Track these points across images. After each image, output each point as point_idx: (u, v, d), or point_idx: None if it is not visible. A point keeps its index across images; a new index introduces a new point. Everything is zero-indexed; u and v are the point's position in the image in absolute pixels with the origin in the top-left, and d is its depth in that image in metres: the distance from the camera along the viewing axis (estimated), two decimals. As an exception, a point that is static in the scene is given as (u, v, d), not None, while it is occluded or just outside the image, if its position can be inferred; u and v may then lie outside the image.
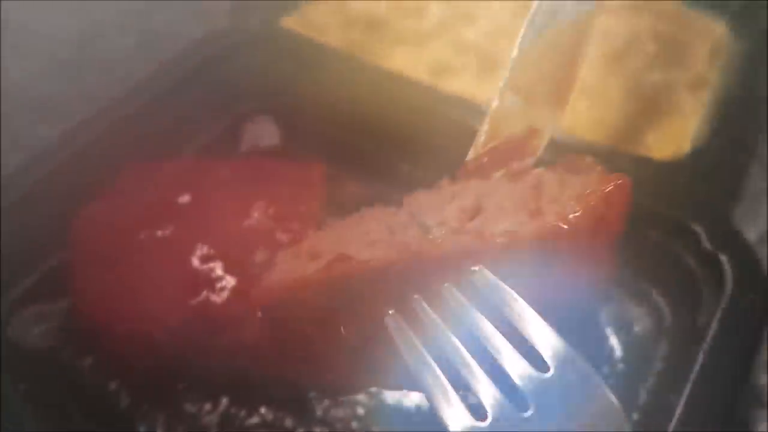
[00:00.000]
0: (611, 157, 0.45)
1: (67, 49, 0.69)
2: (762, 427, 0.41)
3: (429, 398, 0.23)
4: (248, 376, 0.38)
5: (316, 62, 0.53)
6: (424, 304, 0.25)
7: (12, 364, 0.40)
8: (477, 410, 0.22)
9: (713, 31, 0.57)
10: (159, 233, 0.38)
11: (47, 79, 0.67)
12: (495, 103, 0.35)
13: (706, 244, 0.39)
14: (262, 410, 0.40)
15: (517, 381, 0.22)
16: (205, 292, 0.36)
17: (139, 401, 0.40)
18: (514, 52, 0.35)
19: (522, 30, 0.35)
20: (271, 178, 0.44)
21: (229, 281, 0.36)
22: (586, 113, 0.53)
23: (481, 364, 0.23)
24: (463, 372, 0.23)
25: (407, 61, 0.55)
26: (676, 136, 0.52)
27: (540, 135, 0.34)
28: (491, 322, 0.23)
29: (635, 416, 0.38)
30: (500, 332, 0.23)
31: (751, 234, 0.52)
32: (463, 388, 0.23)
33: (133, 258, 0.38)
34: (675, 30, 0.57)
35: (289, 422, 0.40)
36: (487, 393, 0.22)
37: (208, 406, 0.40)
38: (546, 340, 0.22)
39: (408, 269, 0.25)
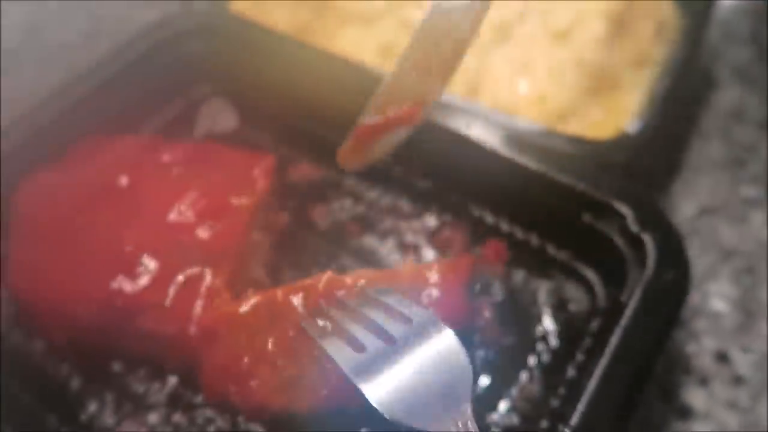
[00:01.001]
0: (548, 136, 0.46)
1: (12, 38, 0.69)
2: (686, 392, 0.43)
3: (335, 360, 0.32)
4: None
5: (266, 46, 0.53)
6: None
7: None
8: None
9: (659, 10, 0.58)
10: (91, 211, 0.39)
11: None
12: (391, 74, 0.37)
13: (633, 226, 0.40)
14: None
15: (389, 329, 0.33)
16: (121, 277, 0.37)
17: (89, 382, 0.42)
18: (416, 30, 0.36)
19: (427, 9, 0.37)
20: (212, 166, 0.44)
21: (146, 271, 0.38)
22: (528, 91, 0.54)
23: (367, 329, 0.33)
24: (355, 333, 0.33)
25: (355, 43, 0.55)
26: (618, 113, 0.53)
27: (425, 107, 0.37)
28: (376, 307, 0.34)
29: (562, 391, 0.40)
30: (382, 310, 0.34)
31: (691, 206, 0.54)
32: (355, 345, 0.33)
33: (63, 233, 0.39)
34: (621, 8, 0.58)
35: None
36: (367, 338, 0.33)
37: (156, 386, 0.42)
38: (411, 309, 0.33)
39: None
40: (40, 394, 0.41)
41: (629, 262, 0.40)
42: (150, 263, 0.38)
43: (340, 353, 0.32)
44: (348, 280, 0.37)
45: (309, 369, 0.34)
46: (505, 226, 0.48)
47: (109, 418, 0.41)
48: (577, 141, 0.45)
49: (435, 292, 0.37)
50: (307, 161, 0.54)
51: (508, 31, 0.59)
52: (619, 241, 0.41)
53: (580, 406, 0.34)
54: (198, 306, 0.38)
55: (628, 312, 0.37)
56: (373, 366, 0.31)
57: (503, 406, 0.40)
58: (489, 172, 0.46)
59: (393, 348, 0.31)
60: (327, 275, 0.37)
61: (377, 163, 0.52)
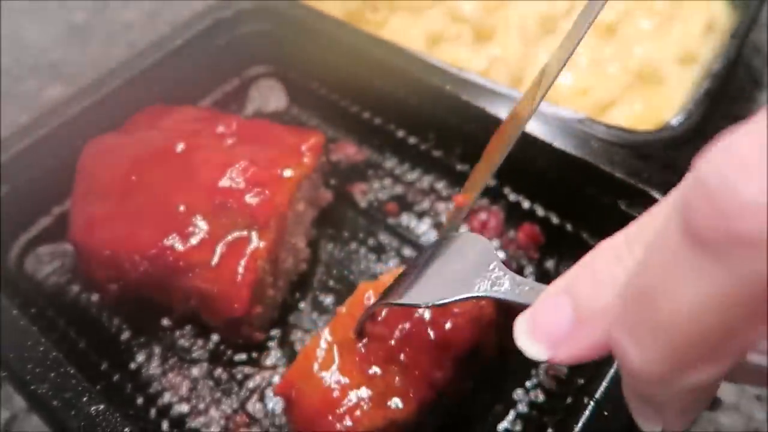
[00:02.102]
0: (588, 125, 0.47)
1: (79, 16, 0.73)
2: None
3: None
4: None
5: (318, 29, 0.56)
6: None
7: (27, 294, 0.45)
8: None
9: (708, 8, 0.58)
10: (148, 173, 0.42)
11: (60, 44, 0.71)
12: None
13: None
14: (251, 350, 0.44)
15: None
16: (172, 235, 0.40)
17: (138, 335, 0.45)
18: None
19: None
20: (263, 140, 0.47)
21: (195, 231, 0.40)
22: (571, 83, 0.54)
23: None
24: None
25: (404, 31, 0.57)
26: (661, 108, 0.53)
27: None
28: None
29: (588, 370, 0.41)
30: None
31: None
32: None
33: (121, 191, 0.42)
34: (670, 6, 0.58)
35: (272, 359, 0.44)
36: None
37: (200, 342, 0.45)
38: None
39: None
40: (94, 342, 0.44)
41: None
42: (200, 224, 0.41)
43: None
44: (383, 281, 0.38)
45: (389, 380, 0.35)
46: (540, 212, 0.49)
47: (155, 369, 0.43)
48: (617, 130, 0.46)
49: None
50: (351, 142, 0.56)
51: (554, 24, 0.60)
52: (653, 229, 0.42)
53: (605, 382, 0.35)
54: (240, 268, 0.40)
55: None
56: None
57: (529, 383, 0.41)
58: (527, 158, 0.47)
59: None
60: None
61: (419, 145, 0.54)
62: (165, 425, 0.40)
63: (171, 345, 0.45)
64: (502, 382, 0.42)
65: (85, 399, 0.33)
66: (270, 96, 0.61)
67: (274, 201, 0.42)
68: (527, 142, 0.46)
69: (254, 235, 0.41)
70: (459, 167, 0.52)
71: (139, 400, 0.41)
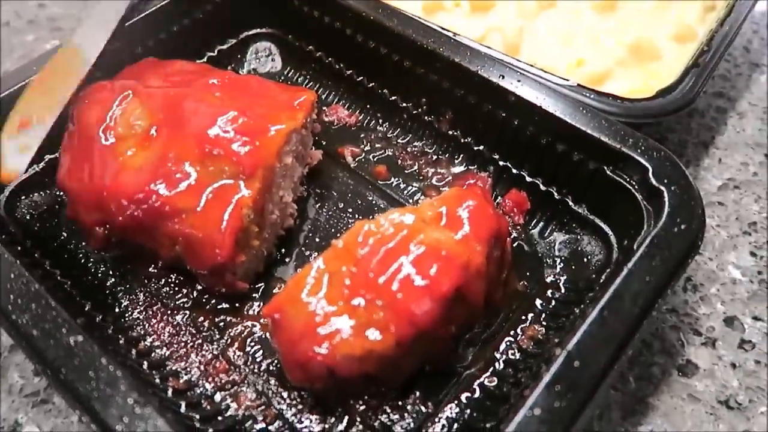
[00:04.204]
0: (579, 91, 0.47)
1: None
2: (692, 350, 0.44)
3: None
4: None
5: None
6: None
7: (14, 236, 0.46)
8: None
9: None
10: (139, 120, 0.43)
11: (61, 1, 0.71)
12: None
13: (653, 179, 0.41)
14: (234, 300, 0.45)
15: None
16: (160, 181, 0.40)
17: (123, 281, 0.45)
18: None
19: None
20: (255, 94, 0.47)
21: (183, 177, 0.40)
22: (568, 55, 0.54)
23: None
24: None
25: (400, 3, 0.57)
26: (655, 84, 0.53)
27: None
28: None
29: (564, 331, 0.41)
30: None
31: (718, 179, 0.54)
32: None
33: (110, 137, 0.42)
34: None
35: (254, 309, 0.44)
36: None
37: (184, 291, 0.45)
38: None
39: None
40: (79, 286, 0.44)
41: (646, 215, 0.41)
42: (187, 171, 0.41)
43: None
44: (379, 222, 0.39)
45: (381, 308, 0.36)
46: (528, 178, 0.49)
47: (138, 314, 0.44)
48: (607, 97, 0.46)
49: (464, 212, 0.40)
50: (344, 105, 0.57)
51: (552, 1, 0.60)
52: (638, 194, 0.42)
53: (577, 335, 0.35)
54: (226, 215, 0.40)
55: (634, 256, 0.38)
56: None
57: (507, 342, 0.42)
58: (517, 124, 0.47)
59: None
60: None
61: (410, 109, 0.54)
62: (145, 365, 0.40)
63: (155, 292, 0.45)
64: (481, 337, 0.42)
65: (64, 330, 0.34)
66: (265, 58, 0.61)
67: (262, 151, 0.42)
68: (517, 106, 0.46)
69: (241, 183, 0.42)
70: (449, 132, 0.52)
71: (121, 341, 0.41)
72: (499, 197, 0.49)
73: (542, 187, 0.48)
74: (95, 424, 0.31)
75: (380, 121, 0.55)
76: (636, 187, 0.42)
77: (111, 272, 0.46)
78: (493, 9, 0.57)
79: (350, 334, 0.35)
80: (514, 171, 0.49)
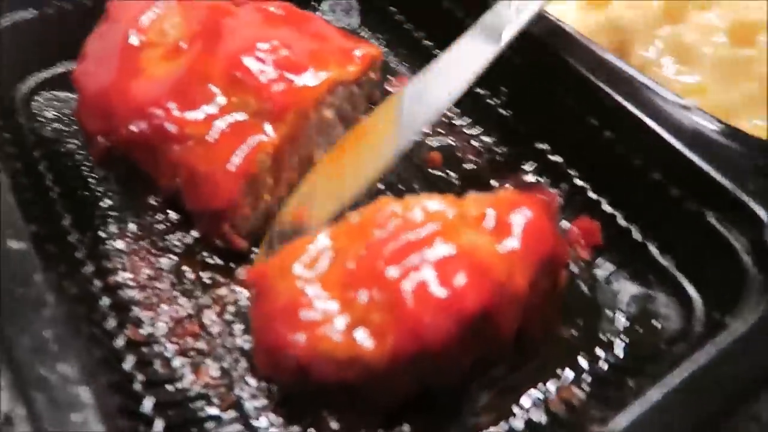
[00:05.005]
0: (697, 115, 0.38)
1: None
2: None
3: None
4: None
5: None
6: None
7: (19, 129, 0.42)
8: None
9: None
10: (174, 28, 0.37)
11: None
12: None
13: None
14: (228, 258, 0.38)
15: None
16: (175, 99, 0.35)
17: (118, 206, 0.40)
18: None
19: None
20: (314, 34, 0.40)
21: (200, 100, 0.35)
22: (688, 78, 0.46)
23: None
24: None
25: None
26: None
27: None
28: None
29: (607, 407, 0.32)
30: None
31: None
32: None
33: (137, 41, 0.37)
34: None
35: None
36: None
37: (178, 235, 0.39)
38: None
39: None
40: (68, 197, 0.40)
41: (752, 285, 0.32)
42: (206, 92, 0.35)
43: None
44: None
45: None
46: (606, 206, 0.40)
47: (121, 244, 0.38)
48: (729, 128, 0.37)
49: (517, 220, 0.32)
50: (407, 68, 0.50)
51: (682, 14, 0.51)
52: (746, 255, 0.33)
53: (627, 417, 0.26)
54: (238, 154, 0.34)
55: (729, 336, 0.29)
56: None
57: (534, 396, 0.33)
58: (608, 136, 0.39)
59: None
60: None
61: (486, 98, 0.46)
62: (105, 302, 0.34)
63: (148, 226, 0.39)
64: (503, 380, 0.34)
65: (8, 231, 0.28)
66: (341, 12, 0.55)
67: (298, 94, 0.36)
68: (615, 117, 0.38)
69: (266, 125, 0.35)
70: (525, 133, 0.44)
71: (88, 268, 0.36)
72: (566, 222, 0.41)
73: (622, 222, 0.39)
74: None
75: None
76: (745, 245, 0.33)
77: (109, 193, 0.41)
78: (610, 5, 0.49)
79: (336, 330, 0.28)
80: (592, 195, 0.41)
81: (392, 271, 0.29)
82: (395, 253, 0.29)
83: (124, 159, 0.38)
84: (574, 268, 0.39)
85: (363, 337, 0.28)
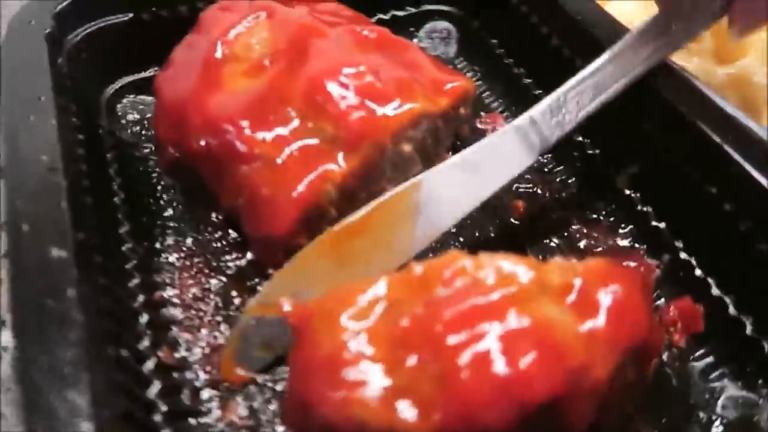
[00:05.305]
0: None
1: None
2: None
3: None
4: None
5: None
6: None
7: (107, 136, 0.42)
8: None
9: None
10: (260, 43, 0.35)
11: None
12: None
13: None
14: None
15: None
16: (248, 116, 0.33)
17: (181, 216, 0.39)
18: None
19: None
20: (404, 61, 0.38)
21: (274, 121, 0.33)
22: None
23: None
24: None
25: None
26: None
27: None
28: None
29: None
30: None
31: None
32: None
33: (225, 52, 0.36)
34: None
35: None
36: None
37: (233, 255, 0.37)
38: None
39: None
40: (132, 203, 0.38)
41: None
42: (283, 116, 0.33)
43: None
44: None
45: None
46: (715, 289, 0.34)
47: (175, 258, 0.37)
48: None
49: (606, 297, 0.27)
50: (506, 117, 0.46)
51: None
52: None
53: None
54: (304, 182, 0.32)
55: None
56: None
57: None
58: (730, 209, 0.33)
59: None
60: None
61: (585, 147, 0.41)
62: (144, 318, 0.33)
63: (205, 243, 0.38)
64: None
65: (55, 237, 0.27)
66: (440, 40, 0.52)
67: (377, 123, 0.33)
68: (733, 184, 0.32)
69: (339, 154, 0.33)
70: (626, 191, 0.39)
71: (134, 281, 0.34)
72: (663, 299, 0.35)
73: (731, 310, 0.33)
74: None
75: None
76: None
77: (173, 204, 0.39)
78: (742, 59, 0.43)
79: (375, 395, 0.24)
80: (698, 272, 0.35)
81: (451, 338, 0.25)
82: (457, 316, 0.25)
83: (191, 170, 0.37)
84: (666, 357, 0.33)
85: (405, 408, 0.24)
